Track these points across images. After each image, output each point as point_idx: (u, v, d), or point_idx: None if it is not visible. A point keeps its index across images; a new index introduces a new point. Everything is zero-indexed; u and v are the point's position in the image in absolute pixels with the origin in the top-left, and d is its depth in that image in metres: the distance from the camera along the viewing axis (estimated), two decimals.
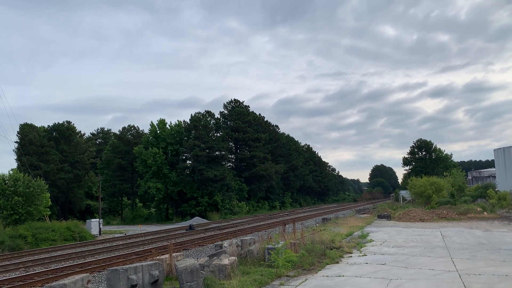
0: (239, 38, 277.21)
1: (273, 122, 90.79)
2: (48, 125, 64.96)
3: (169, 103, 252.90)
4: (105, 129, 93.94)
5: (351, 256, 16.15)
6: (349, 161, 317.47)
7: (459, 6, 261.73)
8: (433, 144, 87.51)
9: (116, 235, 36.28)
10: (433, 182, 48.73)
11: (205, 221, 50.13)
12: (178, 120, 64.11)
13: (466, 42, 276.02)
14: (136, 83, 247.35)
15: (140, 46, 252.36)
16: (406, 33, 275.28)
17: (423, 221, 33.35)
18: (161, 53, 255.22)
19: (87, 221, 38.02)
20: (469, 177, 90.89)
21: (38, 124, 62.88)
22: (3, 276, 16.94)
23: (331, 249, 17.02)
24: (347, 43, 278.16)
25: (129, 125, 69.33)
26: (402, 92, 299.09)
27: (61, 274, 16.43)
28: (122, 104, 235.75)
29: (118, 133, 68.48)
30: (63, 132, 63.76)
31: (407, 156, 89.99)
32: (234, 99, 75.69)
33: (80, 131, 74.09)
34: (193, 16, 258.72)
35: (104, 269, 17.13)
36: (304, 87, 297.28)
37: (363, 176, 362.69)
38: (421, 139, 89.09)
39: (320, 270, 13.48)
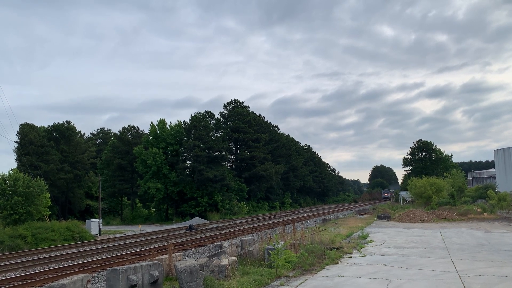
0: (236, 38, 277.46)
1: (271, 122, 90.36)
2: (48, 125, 65.09)
3: (166, 102, 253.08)
4: (105, 129, 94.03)
5: (351, 257, 16.13)
6: (348, 161, 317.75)
7: (457, 6, 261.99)
8: (433, 144, 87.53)
9: (116, 235, 36.26)
10: (433, 183, 48.73)
11: (205, 221, 50.11)
12: (178, 120, 64.20)
13: (464, 42, 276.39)
14: (133, 82, 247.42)
15: (136, 45, 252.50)
16: (404, 33, 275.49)
17: (423, 222, 33.34)
18: (158, 52, 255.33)
19: (87, 221, 38.00)
20: (469, 178, 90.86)
21: (34, 123, 62.86)
22: (3, 276, 16.93)
23: (331, 250, 17.00)
24: (345, 43, 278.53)
25: (129, 125, 69.34)
26: (400, 92, 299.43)
27: (60, 274, 16.42)
28: (119, 103, 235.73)
29: (118, 133, 68.47)
30: (63, 132, 63.79)
31: (407, 156, 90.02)
32: (234, 99, 75.72)
33: (80, 131, 74.16)
34: (189, 15, 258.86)
35: (103, 269, 17.12)
36: (301, 87, 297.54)
37: (363, 177, 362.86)
38: (421, 139, 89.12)
39: (320, 270, 13.47)
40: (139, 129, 68.91)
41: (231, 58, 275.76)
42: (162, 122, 61.45)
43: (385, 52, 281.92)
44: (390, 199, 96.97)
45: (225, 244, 17.66)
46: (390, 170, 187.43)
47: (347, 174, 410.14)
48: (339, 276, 12.31)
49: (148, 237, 31.67)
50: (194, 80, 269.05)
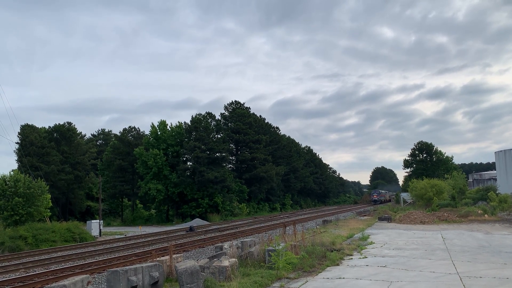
0: (236, 39, 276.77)
1: (271, 123, 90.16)
2: (49, 126, 65.07)
3: (166, 104, 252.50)
4: (106, 130, 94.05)
5: (351, 258, 16.12)
6: (349, 163, 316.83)
7: (457, 7, 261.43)
8: (433, 146, 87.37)
9: (116, 237, 36.26)
10: (434, 185, 48.69)
11: (205, 222, 50.10)
12: (178, 122, 64.22)
13: (465, 44, 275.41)
14: (133, 83, 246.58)
15: (136, 47, 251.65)
16: (404, 34, 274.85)
17: (423, 224, 33.31)
18: (157, 54, 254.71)
19: (87, 222, 38.00)
20: (470, 180, 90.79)
21: (35, 124, 62.92)
22: (3, 277, 16.94)
23: (332, 251, 16.99)
24: (345, 44, 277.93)
25: (129, 126, 69.39)
26: (400, 94, 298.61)
27: (61, 275, 16.42)
28: (119, 104, 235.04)
29: (118, 134, 68.49)
30: (64, 133, 63.81)
31: (408, 158, 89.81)
32: (235, 101, 75.78)
33: (81, 132, 74.19)
34: (188, 16, 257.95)
35: (104, 270, 17.11)
36: (301, 88, 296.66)
37: (364, 178, 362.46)
38: (421, 141, 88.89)
39: (321, 272, 13.46)
40: (139, 130, 69.01)
41: (231, 60, 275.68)
42: (162, 123, 61.48)
43: (385, 53, 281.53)
44: (382, 202, 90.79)
45: (226, 245, 17.65)
46: (391, 171, 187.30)
47: (348, 176, 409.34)
48: (340, 278, 12.29)
49: (149, 238, 31.66)
50: (194, 81, 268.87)
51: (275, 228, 34.24)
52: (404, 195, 69.68)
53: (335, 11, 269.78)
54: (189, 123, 61.21)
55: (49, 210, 36.63)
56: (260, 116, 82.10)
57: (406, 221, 34.98)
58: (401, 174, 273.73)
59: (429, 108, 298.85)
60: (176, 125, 62.20)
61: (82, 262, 20.36)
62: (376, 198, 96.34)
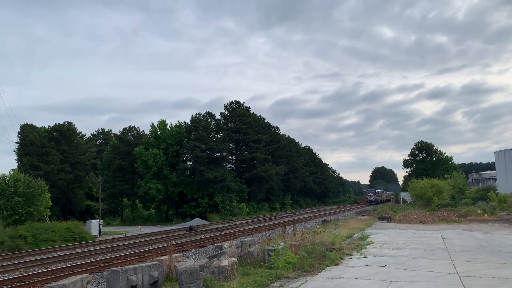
0: (236, 39, 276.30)
1: (271, 123, 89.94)
2: (49, 126, 65.00)
3: (166, 103, 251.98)
4: (106, 129, 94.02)
5: (351, 258, 16.12)
6: (348, 162, 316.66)
7: (457, 7, 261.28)
8: (433, 146, 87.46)
9: (116, 236, 36.25)
10: (434, 184, 48.75)
11: (205, 222, 50.10)
12: (178, 121, 64.20)
13: (465, 44, 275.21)
14: (132, 83, 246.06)
15: (135, 47, 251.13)
16: (404, 34, 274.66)
17: (423, 223, 33.34)
18: (157, 54, 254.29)
19: (87, 221, 37.98)
20: (470, 180, 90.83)
21: (35, 124, 62.90)
22: (3, 276, 16.93)
23: (331, 251, 17.00)
24: (345, 44, 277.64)
25: (129, 126, 69.30)
26: (400, 93, 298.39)
27: (60, 274, 16.42)
28: (119, 104, 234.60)
29: (118, 134, 68.47)
30: (64, 133, 63.78)
31: (408, 158, 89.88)
32: (235, 100, 75.79)
33: (81, 132, 74.12)
34: (188, 16, 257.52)
35: (104, 269, 17.11)
36: (301, 88, 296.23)
37: (364, 178, 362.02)
38: (421, 141, 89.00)
39: (320, 271, 13.47)
40: (139, 129, 68.95)
41: (230, 59, 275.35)
42: (162, 123, 61.47)
43: (385, 53, 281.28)
44: (378, 203, 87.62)
45: (225, 245, 17.66)
46: (391, 171, 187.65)
47: (348, 175, 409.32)
48: (340, 277, 12.30)
49: (148, 238, 31.66)
50: (194, 81, 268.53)
51: (275, 228, 34.24)
52: (403, 195, 69.73)
53: (335, 11, 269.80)
54: (189, 123, 61.21)
55: (48, 210, 36.62)
56: (260, 115, 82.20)
57: (405, 221, 35.00)
58: (401, 174, 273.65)
59: (429, 108, 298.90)
60: (176, 124, 62.21)
61: (82, 261, 20.37)
62: (372, 198, 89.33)
